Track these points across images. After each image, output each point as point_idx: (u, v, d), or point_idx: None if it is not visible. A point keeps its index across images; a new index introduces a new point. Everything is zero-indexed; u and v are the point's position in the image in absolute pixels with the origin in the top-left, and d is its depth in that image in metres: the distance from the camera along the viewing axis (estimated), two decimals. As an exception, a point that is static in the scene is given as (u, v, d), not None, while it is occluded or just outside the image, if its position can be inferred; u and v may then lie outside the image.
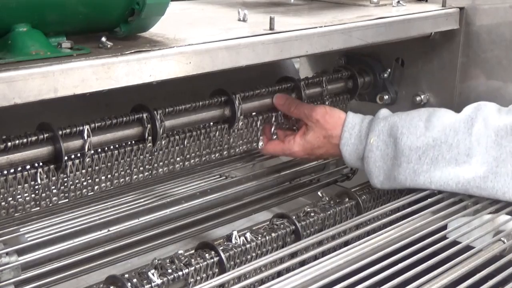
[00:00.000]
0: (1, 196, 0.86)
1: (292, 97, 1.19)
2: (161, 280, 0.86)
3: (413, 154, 1.08)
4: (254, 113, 1.14)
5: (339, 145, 1.14)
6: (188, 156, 1.06)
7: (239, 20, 1.07)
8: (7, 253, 0.89)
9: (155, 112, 0.97)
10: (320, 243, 1.00)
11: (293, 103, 1.17)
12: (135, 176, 1.00)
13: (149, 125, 0.97)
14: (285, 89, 1.18)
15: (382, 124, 1.12)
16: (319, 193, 1.16)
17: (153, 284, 0.85)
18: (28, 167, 0.88)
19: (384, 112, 1.15)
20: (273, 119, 1.18)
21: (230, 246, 0.95)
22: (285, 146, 1.18)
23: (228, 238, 0.97)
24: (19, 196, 0.88)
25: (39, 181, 0.88)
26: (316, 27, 1.04)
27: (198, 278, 0.90)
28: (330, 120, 1.15)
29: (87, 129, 0.90)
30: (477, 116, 1.06)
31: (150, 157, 1.00)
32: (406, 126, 1.10)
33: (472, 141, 1.04)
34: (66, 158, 0.89)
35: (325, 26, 1.05)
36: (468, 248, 0.97)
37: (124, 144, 0.97)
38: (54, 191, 0.91)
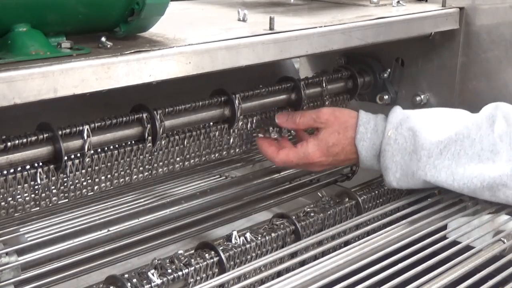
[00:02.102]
0: (1, 196, 0.86)
1: (292, 111, 1.15)
2: (161, 280, 0.86)
3: (434, 148, 1.03)
4: (254, 113, 1.14)
5: (355, 140, 1.08)
6: (188, 156, 1.06)
7: (239, 20, 1.07)
8: (7, 253, 0.89)
9: (155, 112, 0.97)
10: (320, 243, 1.00)
11: (297, 114, 1.12)
12: (135, 176, 1.00)
13: (149, 125, 0.97)
14: (285, 89, 1.18)
15: (400, 117, 1.07)
16: (319, 193, 1.16)
17: (153, 284, 0.85)
18: (28, 167, 0.88)
19: (398, 107, 1.10)
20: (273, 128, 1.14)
21: (230, 246, 0.95)
22: (300, 151, 1.09)
23: (228, 238, 0.97)
24: (19, 196, 0.88)
25: (39, 181, 0.88)
26: (316, 27, 1.04)
27: (198, 278, 0.90)
28: (341, 116, 1.10)
29: (87, 129, 0.90)
30: (497, 114, 1.04)
31: (150, 157, 1.00)
32: (426, 120, 1.06)
33: (495, 137, 1.01)
34: (66, 158, 0.89)
35: (325, 26, 1.05)
36: (468, 248, 0.97)
37: (124, 144, 0.97)
38: (54, 191, 0.91)
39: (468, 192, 1.03)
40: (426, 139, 1.03)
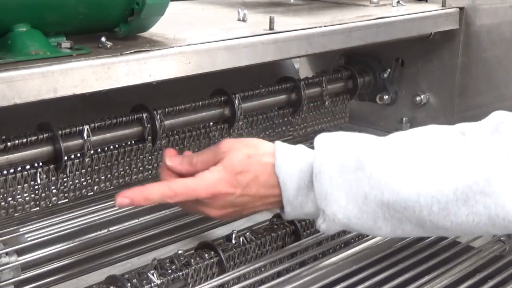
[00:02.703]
0: (1, 196, 0.86)
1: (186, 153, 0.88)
2: (161, 280, 0.86)
3: (386, 159, 0.78)
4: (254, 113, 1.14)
5: (275, 168, 0.81)
6: (188, 156, 1.06)
7: (239, 20, 1.07)
8: (7, 253, 0.90)
9: (155, 112, 0.97)
10: (320, 243, 1.00)
11: (192, 155, 0.85)
12: (135, 176, 1.00)
13: (149, 125, 0.97)
14: (285, 89, 1.18)
15: (330, 138, 0.82)
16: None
17: (152, 284, 0.85)
18: (28, 167, 0.88)
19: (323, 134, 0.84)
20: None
21: (230, 246, 0.95)
22: (200, 179, 0.81)
23: (228, 238, 0.97)
24: (19, 196, 0.87)
25: (38, 181, 0.88)
26: (316, 27, 1.04)
27: (198, 278, 0.90)
28: (249, 140, 0.86)
29: (87, 129, 0.90)
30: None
31: (150, 157, 1.00)
32: (361, 137, 0.83)
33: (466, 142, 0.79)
34: (66, 158, 0.89)
35: (325, 26, 1.05)
36: (468, 248, 0.97)
37: (124, 144, 0.97)
38: (54, 191, 0.91)
39: (438, 209, 0.76)
40: (373, 149, 0.79)
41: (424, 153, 0.78)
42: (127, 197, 0.81)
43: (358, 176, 0.78)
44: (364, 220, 0.79)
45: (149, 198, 0.82)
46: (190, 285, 0.89)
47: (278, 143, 0.83)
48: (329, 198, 0.79)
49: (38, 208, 0.91)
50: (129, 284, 0.84)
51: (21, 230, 0.99)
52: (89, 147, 0.91)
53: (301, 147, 0.83)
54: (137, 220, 1.08)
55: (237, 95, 1.08)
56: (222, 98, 1.07)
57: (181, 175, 0.84)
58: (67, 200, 0.94)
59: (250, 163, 0.81)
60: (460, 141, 0.78)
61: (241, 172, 0.81)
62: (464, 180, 0.75)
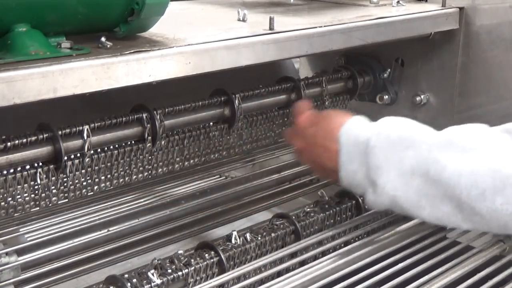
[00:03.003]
0: (1, 196, 0.86)
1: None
2: (161, 280, 0.86)
3: (435, 142, 0.88)
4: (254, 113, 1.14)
5: (339, 136, 0.94)
6: (187, 156, 1.06)
7: (239, 20, 1.07)
8: (7, 253, 0.89)
9: (154, 112, 0.97)
10: (320, 243, 1.00)
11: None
12: (134, 176, 1.00)
13: (148, 125, 0.97)
14: (285, 89, 1.18)
15: (391, 118, 0.95)
16: (319, 193, 1.16)
17: (153, 284, 0.85)
18: (27, 167, 0.88)
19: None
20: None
21: (230, 246, 0.95)
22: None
23: (228, 238, 0.97)
24: (19, 196, 0.87)
25: (38, 181, 0.88)
26: (316, 27, 1.04)
27: (198, 278, 0.90)
28: (330, 114, 1.03)
29: (87, 129, 0.90)
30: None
31: (149, 157, 1.00)
32: (418, 123, 0.95)
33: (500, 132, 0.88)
34: (65, 158, 0.89)
35: (325, 26, 1.05)
36: (468, 248, 0.97)
37: (123, 144, 0.97)
38: (54, 191, 0.91)
39: (476, 194, 0.84)
40: (424, 133, 0.90)
41: (469, 141, 0.86)
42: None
43: (408, 154, 0.88)
44: (409, 194, 0.88)
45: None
46: (190, 285, 0.89)
47: (349, 118, 0.95)
48: (381, 170, 0.89)
49: (38, 208, 0.91)
50: (129, 284, 0.84)
51: (21, 230, 0.99)
52: (89, 147, 0.91)
53: (364, 122, 0.95)
54: (137, 220, 1.08)
55: (237, 95, 1.08)
56: (222, 98, 1.07)
57: None
58: (67, 200, 0.94)
59: (324, 118, 0.99)
60: (504, 137, 0.86)
61: (320, 120, 0.99)
62: (503, 170, 0.82)
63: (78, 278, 1.01)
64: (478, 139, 0.87)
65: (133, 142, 0.98)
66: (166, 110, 0.99)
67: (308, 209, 1.08)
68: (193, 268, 0.89)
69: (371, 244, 0.96)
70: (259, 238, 0.98)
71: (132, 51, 0.81)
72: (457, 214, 0.86)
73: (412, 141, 0.89)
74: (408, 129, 0.92)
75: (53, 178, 0.90)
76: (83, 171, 0.92)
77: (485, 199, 0.83)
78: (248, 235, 0.97)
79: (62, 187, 0.91)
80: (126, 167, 0.98)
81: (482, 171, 0.83)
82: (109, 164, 0.95)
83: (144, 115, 0.97)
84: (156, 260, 0.89)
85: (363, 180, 0.92)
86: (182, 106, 1.01)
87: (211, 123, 1.08)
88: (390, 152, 0.89)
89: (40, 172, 0.88)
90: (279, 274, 0.92)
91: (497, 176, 0.82)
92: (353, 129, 0.93)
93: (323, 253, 0.97)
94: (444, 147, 0.87)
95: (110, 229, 1.04)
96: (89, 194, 0.96)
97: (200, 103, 1.04)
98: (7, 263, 0.89)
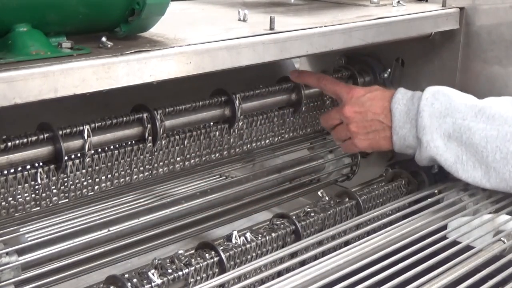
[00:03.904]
0: (1, 196, 0.86)
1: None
2: (161, 280, 0.86)
3: (468, 111, 1.05)
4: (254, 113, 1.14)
5: (390, 103, 1.11)
6: (188, 156, 1.06)
7: (239, 20, 1.07)
8: (7, 253, 0.90)
9: (155, 112, 0.97)
10: (320, 243, 1.00)
11: (318, 76, 1.19)
12: (135, 176, 1.00)
13: (149, 125, 0.97)
14: (285, 89, 1.18)
15: (436, 88, 1.11)
16: (319, 193, 1.16)
17: (153, 284, 0.85)
18: (28, 167, 0.88)
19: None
20: None
21: (230, 246, 0.95)
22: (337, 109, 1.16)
23: (228, 238, 0.97)
24: (19, 196, 0.88)
25: (39, 181, 0.88)
26: (316, 27, 1.04)
27: (198, 278, 0.90)
28: (376, 88, 1.17)
29: (87, 129, 0.90)
30: None
31: (150, 157, 1.00)
32: (460, 92, 1.10)
33: None
34: (66, 158, 0.89)
35: (325, 26, 1.05)
36: (468, 248, 0.97)
37: (124, 144, 0.97)
38: (54, 191, 0.91)
39: (500, 158, 1.01)
40: (461, 103, 1.06)
41: (498, 110, 1.03)
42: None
43: (446, 120, 1.06)
44: (447, 154, 1.06)
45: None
46: (191, 285, 0.89)
47: (397, 90, 1.12)
48: (426, 130, 1.07)
49: (38, 208, 0.91)
50: (129, 284, 0.84)
51: (21, 230, 0.99)
52: (90, 147, 0.91)
53: (415, 93, 1.11)
54: (137, 220, 1.08)
55: (237, 95, 1.08)
56: (222, 98, 1.07)
57: None
58: (67, 200, 0.94)
59: (371, 98, 1.13)
60: None
61: (369, 92, 1.14)
62: None
63: (78, 278, 1.01)
64: (507, 109, 1.03)
65: (133, 142, 0.98)
66: (167, 110, 0.99)
67: (308, 209, 1.08)
68: (193, 268, 0.89)
69: (371, 244, 0.96)
70: (259, 238, 0.98)
71: (133, 51, 0.81)
72: (487, 180, 1.04)
73: (451, 110, 1.06)
74: (449, 97, 1.07)
75: (54, 178, 0.90)
76: (83, 171, 0.92)
77: (507, 163, 1.01)
78: (248, 235, 0.97)
79: (63, 187, 0.91)
80: (127, 167, 0.98)
81: (505, 137, 1.00)
82: (109, 164, 0.95)
83: (145, 115, 0.97)
84: (156, 260, 0.89)
85: (412, 140, 1.10)
86: (183, 106, 1.02)
87: (211, 123, 1.08)
88: (433, 117, 1.06)
89: (40, 172, 0.88)
90: (279, 274, 0.92)
91: None
92: (403, 99, 1.10)
93: (323, 253, 0.97)
94: (475, 116, 1.04)
95: (111, 229, 1.04)
96: (89, 194, 0.96)
97: (200, 103, 1.04)
98: (8, 263, 0.89)
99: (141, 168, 1.00)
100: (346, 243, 1.00)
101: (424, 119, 1.07)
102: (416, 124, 1.08)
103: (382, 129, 1.12)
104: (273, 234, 1.00)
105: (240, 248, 0.95)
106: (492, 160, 1.02)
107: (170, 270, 0.87)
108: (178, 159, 1.04)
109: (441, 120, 1.06)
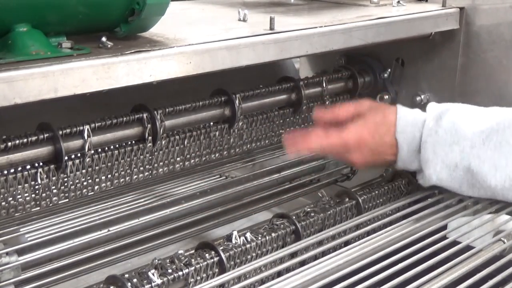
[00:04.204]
0: (1, 196, 0.86)
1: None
2: (161, 280, 0.86)
3: (476, 138, 1.01)
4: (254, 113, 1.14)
5: (395, 134, 1.05)
6: (188, 156, 1.06)
7: (239, 20, 1.07)
8: (7, 253, 0.89)
9: (155, 112, 0.97)
10: (320, 243, 1.00)
11: (336, 107, 1.11)
12: (135, 176, 1.00)
13: (149, 125, 0.97)
14: (285, 89, 1.18)
15: (439, 110, 1.06)
16: (319, 193, 1.16)
17: (153, 284, 0.85)
18: (28, 167, 0.88)
19: (433, 103, 1.11)
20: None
21: (230, 246, 0.95)
22: (351, 128, 1.06)
23: (228, 238, 0.97)
24: (19, 196, 0.88)
25: (39, 181, 0.88)
26: (316, 27, 1.04)
27: (198, 278, 0.90)
28: (380, 105, 1.13)
29: (87, 129, 0.90)
30: None
31: (150, 157, 1.00)
32: (465, 112, 1.05)
33: None
34: (66, 158, 0.89)
35: (325, 26, 1.05)
36: (468, 248, 0.97)
37: (124, 144, 0.97)
38: (54, 191, 0.91)
39: (509, 185, 1.00)
40: (468, 130, 1.02)
41: (504, 138, 0.99)
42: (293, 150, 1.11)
43: (453, 149, 1.02)
44: (452, 183, 1.05)
45: (311, 147, 1.09)
46: (191, 285, 0.89)
47: (399, 111, 1.07)
48: (429, 163, 1.04)
49: (38, 208, 0.91)
50: (129, 284, 0.84)
51: (21, 230, 0.99)
52: (90, 147, 0.91)
53: (415, 117, 1.07)
54: (137, 220, 1.07)
55: (237, 95, 1.08)
56: (222, 98, 1.07)
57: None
58: (67, 200, 0.94)
59: (384, 120, 1.06)
60: None
61: (380, 123, 1.06)
62: None
63: (78, 278, 1.01)
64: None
65: (133, 142, 0.98)
66: (167, 110, 0.99)
67: (308, 209, 1.08)
68: (193, 268, 0.89)
69: (371, 244, 0.96)
70: (259, 238, 0.98)
71: (133, 51, 0.81)
72: (493, 198, 1.04)
73: (457, 137, 1.02)
74: (454, 123, 1.03)
75: (54, 178, 0.90)
76: (83, 171, 0.92)
77: None
78: (248, 235, 0.97)
79: (63, 187, 0.91)
80: (127, 167, 0.98)
81: None
82: (109, 164, 0.95)
83: (145, 115, 0.97)
84: (156, 260, 0.89)
85: (416, 167, 1.08)
86: (183, 106, 1.02)
87: (211, 123, 1.08)
88: (438, 145, 1.03)
89: (40, 172, 0.88)
90: (279, 274, 0.92)
91: None
92: (406, 130, 1.06)
93: (323, 253, 0.97)
94: (483, 143, 1.00)
95: (110, 229, 1.04)
96: (89, 194, 0.96)
97: (200, 103, 1.04)
98: (8, 263, 0.89)
99: (141, 168, 1.00)
100: (346, 243, 1.00)
101: (427, 151, 1.04)
102: (419, 157, 1.05)
103: (386, 156, 1.09)
104: (273, 234, 1.00)
105: (240, 248, 0.95)
106: (501, 188, 1.00)
107: (170, 270, 0.87)
108: (178, 159, 1.04)
109: (448, 148, 1.02)
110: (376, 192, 1.17)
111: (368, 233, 1.03)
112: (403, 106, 1.11)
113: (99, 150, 0.94)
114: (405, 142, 1.05)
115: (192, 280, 0.89)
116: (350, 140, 1.06)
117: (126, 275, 0.86)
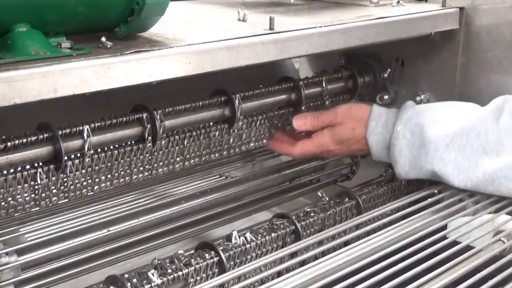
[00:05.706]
0: (1, 196, 0.86)
1: (309, 113, 1.18)
2: (161, 280, 0.86)
3: (440, 142, 1.07)
4: (254, 113, 1.14)
5: (366, 134, 1.14)
6: (188, 156, 1.06)
7: (239, 20, 1.07)
8: (7, 253, 0.89)
9: (155, 112, 0.97)
10: (320, 243, 1.00)
11: (315, 117, 1.17)
12: (135, 176, 1.00)
13: (149, 125, 0.97)
14: (285, 89, 1.18)
15: (409, 113, 1.12)
16: (319, 193, 1.16)
17: (153, 284, 0.85)
18: (28, 167, 0.88)
19: (410, 102, 1.16)
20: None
21: (230, 246, 0.95)
22: (315, 140, 1.17)
23: (228, 238, 0.97)
24: (19, 196, 0.88)
25: (39, 181, 0.88)
26: (316, 27, 1.04)
27: (198, 278, 0.90)
28: (356, 113, 1.16)
29: (87, 129, 0.90)
30: (504, 107, 1.06)
31: (150, 157, 1.00)
32: (433, 114, 1.10)
33: (500, 130, 1.04)
34: (66, 158, 0.89)
35: (325, 26, 1.05)
36: (468, 248, 0.97)
37: (124, 144, 0.97)
38: (54, 191, 0.91)
39: (471, 186, 1.06)
40: (433, 134, 1.07)
41: (468, 141, 1.05)
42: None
43: (419, 152, 1.09)
44: (419, 178, 1.12)
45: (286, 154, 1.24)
46: (190, 285, 0.89)
47: (372, 113, 1.14)
48: (397, 164, 1.12)
49: (38, 208, 0.91)
50: (129, 284, 0.84)
51: (21, 230, 1.00)
52: (89, 147, 0.91)
53: (388, 119, 1.13)
54: (137, 220, 1.08)
55: (237, 95, 1.08)
56: (222, 98, 1.07)
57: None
58: (67, 200, 0.94)
59: (354, 134, 1.15)
60: (493, 129, 1.04)
61: (347, 139, 1.15)
62: (491, 166, 1.03)
63: (78, 278, 1.01)
64: (473, 139, 1.05)
65: (133, 142, 0.98)
66: (166, 110, 0.99)
67: (308, 209, 1.08)
68: (193, 268, 0.89)
69: (371, 244, 0.96)
70: (259, 238, 0.98)
71: (133, 51, 0.81)
72: None
73: (423, 140, 1.08)
74: (421, 127, 1.09)
75: (53, 178, 0.90)
76: (83, 171, 0.92)
77: (479, 189, 1.07)
78: (248, 235, 0.97)
79: (62, 187, 0.91)
80: (126, 167, 0.98)
81: (473, 168, 1.05)
82: (109, 164, 0.95)
83: (144, 115, 0.97)
84: (156, 260, 0.89)
85: (389, 162, 1.15)
86: (182, 106, 1.01)
87: (211, 123, 1.08)
88: (405, 148, 1.10)
89: (40, 172, 0.88)
90: (279, 274, 0.92)
91: (486, 171, 1.04)
92: (376, 132, 1.13)
93: (323, 253, 0.97)
94: (447, 146, 1.06)
95: (110, 229, 1.04)
96: (89, 194, 0.96)
97: (200, 103, 1.04)
98: (7, 263, 0.89)
99: (141, 168, 1.00)
100: (346, 243, 1.00)
101: (395, 153, 1.11)
102: (389, 154, 1.13)
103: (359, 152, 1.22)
104: (273, 234, 1.00)
105: (240, 248, 0.95)
106: (464, 187, 1.07)
107: (170, 270, 0.87)
108: (178, 159, 1.04)
109: (415, 151, 1.09)
110: (376, 192, 1.18)
111: (368, 233, 1.02)
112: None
113: (99, 150, 0.94)
114: (375, 142, 1.14)
115: (192, 280, 0.89)
116: (312, 151, 1.18)
117: (126, 275, 0.86)
